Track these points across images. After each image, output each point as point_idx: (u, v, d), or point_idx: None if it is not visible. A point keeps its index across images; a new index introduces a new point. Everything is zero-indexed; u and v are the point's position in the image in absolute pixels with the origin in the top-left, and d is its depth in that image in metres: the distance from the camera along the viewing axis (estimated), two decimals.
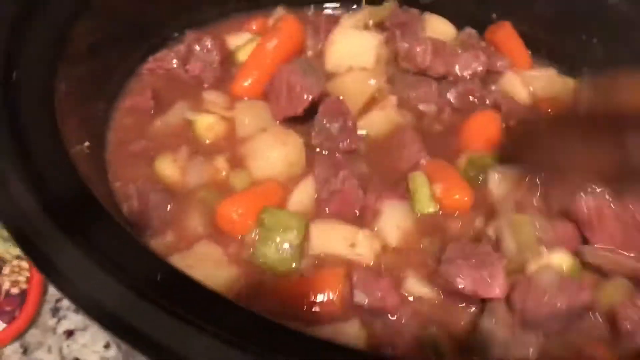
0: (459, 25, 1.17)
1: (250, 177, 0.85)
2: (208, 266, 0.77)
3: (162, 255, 0.72)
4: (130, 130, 0.92)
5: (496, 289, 0.74)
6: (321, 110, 0.89)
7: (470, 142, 0.96)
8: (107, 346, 1.00)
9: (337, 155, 0.89)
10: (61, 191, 0.64)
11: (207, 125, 0.91)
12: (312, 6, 1.18)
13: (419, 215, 0.85)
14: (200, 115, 0.92)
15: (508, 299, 0.75)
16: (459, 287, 0.74)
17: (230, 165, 0.87)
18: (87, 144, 0.80)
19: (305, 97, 0.88)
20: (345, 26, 1.06)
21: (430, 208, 0.85)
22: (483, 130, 0.98)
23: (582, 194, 0.83)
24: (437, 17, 1.16)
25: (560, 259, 0.80)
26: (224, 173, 0.86)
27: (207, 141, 0.91)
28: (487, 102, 1.03)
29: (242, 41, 1.09)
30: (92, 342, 1.00)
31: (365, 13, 1.10)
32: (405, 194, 0.87)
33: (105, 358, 0.98)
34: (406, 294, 0.77)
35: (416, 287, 0.78)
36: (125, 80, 0.99)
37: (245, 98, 0.98)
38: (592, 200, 0.82)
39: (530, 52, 1.14)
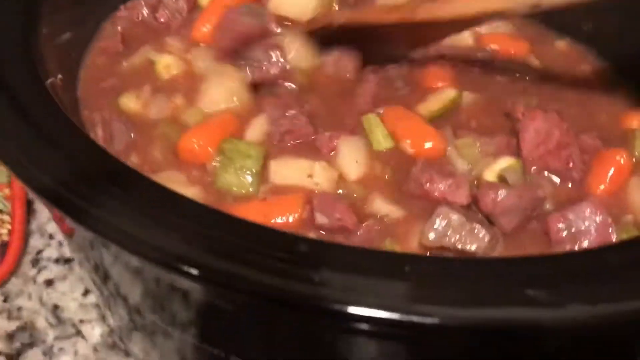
0: None
1: (202, 114, 0.94)
2: (172, 187, 0.82)
3: None
4: (101, 69, 1.02)
5: (463, 196, 0.82)
6: (255, 45, 0.97)
7: None
8: (85, 293, 1.06)
9: (283, 95, 0.97)
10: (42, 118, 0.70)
11: (166, 64, 1.01)
12: None
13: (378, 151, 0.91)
14: (161, 56, 1.02)
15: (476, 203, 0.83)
16: (429, 191, 0.82)
17: (186, 101, 0.96)
18: (60, 76, 0.88)
19: (237, 29, 0.97)
20: None
21: (388, 144, 0.91)
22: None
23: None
24: None
25: (508, 163, 0.87)
26: (181, 109, 0.95)
27: (166, 77, 1.00)
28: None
29: None
30: (70, 290, 1.06)
31: None
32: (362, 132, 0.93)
33: (83, 304, 1.04)
34: (370, 213, 0.83)
35: (381, 206, 0.84)
36: (98, 25, 1.08)
37: (202, 44, 1.07)
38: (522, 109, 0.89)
39: None
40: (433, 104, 0.96)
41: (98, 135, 0.89)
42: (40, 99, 0.72)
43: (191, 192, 0.83)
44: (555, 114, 0.89)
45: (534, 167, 0.88)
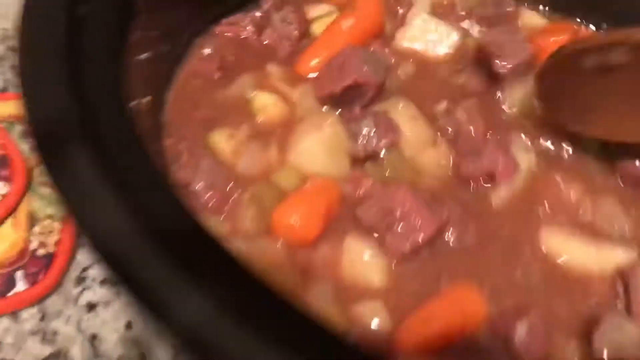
0: None
1: (297, 173, 0.81)
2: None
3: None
4: (192, 95, 0.89)
5: None
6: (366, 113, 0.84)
7: None
8: (128, 326, 0.96)
9: None
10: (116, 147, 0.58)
11: (263, 104, 0.87)
12: None
13: None
14: (258, 93, 0.88)
15: None
16: None
17: (280, 155, 0.83)
18: (148, 98, 0.78)
19: (350, 75, 0.83)
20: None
21: None
22: None
23: None
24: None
25: None
26: (274, 165, 0.82)
27: (259, 121, 0.87)
28: None
29: (320, 12, 1.03)
30: (113, 319, 0.96)
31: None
32: None
33: (125, 338, 0.94)
34: None
35: None
36: (193, 41, 0.95)
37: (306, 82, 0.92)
38: None
39: None
40: None
41: (181, 166, 0.78)
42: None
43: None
44: None
45: None
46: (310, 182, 0.79)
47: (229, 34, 0.96)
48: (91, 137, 0.57)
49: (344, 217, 0.77)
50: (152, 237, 0.50)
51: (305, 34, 0.98)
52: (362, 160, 0.82)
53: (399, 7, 1.04)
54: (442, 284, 0.72)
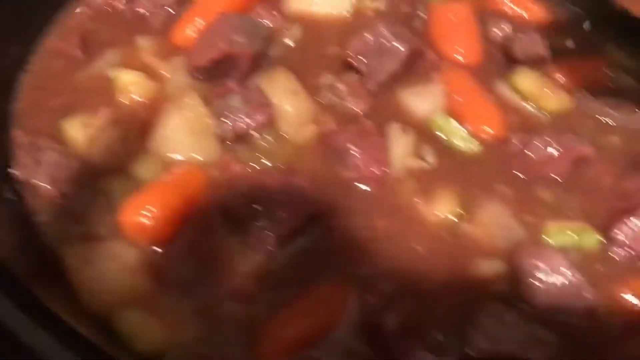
0: None
1: (159, 160, 0.71)
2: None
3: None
4: (51, 78, 0.79)
5: None
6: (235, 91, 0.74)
7: None
8: None
9: None
10: None
11: (126, 83, 0.76)
12: None
13: None
14: (122, 71, 0.77)
15: None
16: None
17: (142, 141, 0.73)
18: None
19: (218, 46, 0.73)
20: None
21: None
22: None
23: None
24: None
25: None
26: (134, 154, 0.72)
27: (125, 101, 0.76)
28: None
29: None
30: None
31: None
32: None
33: None
34: None
35: None
36: (52, 16, 0.84)
37: (182, 54, 0.81)
38: None
39: None
40: None
41: (21, 160, 0.69)
42: None
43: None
44: None
45: None
46: (172, 171, 0.69)
47: (97, 3, 0.85)
48: None
49: (210, 205, 0.68)
50: None
51: (183, 1, 0.86)
52: (233, 141, 0.72)
53: None
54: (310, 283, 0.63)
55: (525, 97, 0.86)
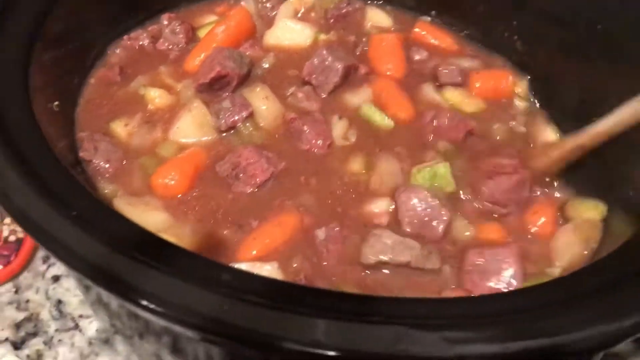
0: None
1: (176, 145, 1.06)
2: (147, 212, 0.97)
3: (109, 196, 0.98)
4: (99, 95, 1.13)
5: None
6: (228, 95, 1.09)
7: None
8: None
9: None
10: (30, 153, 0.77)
11: (153, 96, 1.12)
12: None
13: None
14: (150, 88, 1.13)
15: None
16: None
17: (164, 134, 1.08)
18: (56, 103, 1.01)
19: (214, 69, 1.08)
20: (283, 16, 1.27)
21: None
22: None
23: None
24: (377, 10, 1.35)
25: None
26: (159, 142, 1.07)
27: (152, 108, 1.12)
28: None
29: (206, 21, 1.29)
30: (74, 287, 1.15)
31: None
32: None
33: (84, 301, 1.13)
34: None
35: None
36: (100, 55, 1.20)
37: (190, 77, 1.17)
38: None
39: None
40: None
41: (85, 148, 1.02)
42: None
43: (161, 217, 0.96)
44: None
45: None
46: (185, 151, 1.04)
47: (130, 45, 1.22)
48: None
49: (208, 171, 1.03)
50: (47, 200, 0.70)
51: (192, 39, 1.24)
52: (225, 131, 1.07)
53: (268, 13, 1.31)
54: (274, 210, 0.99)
55: (446, 101, 1.18)
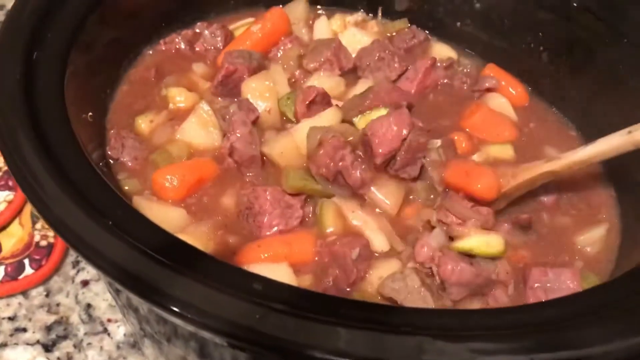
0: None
1: (186, 146, 1.05)
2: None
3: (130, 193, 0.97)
4: (133, 94, 1.14)
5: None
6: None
7: None
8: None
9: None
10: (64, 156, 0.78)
11: (172, 96, 1.12)
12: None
13: None
14: (171, 88, 1.13)
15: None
16: None
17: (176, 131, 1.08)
18: (90, 114, 1.02)
19: (225, 66, 1.08)
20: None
21: None
22: None
23: None
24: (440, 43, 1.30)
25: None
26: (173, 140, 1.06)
27: (173, 107, 1.12)
28: None
29: (245, 22, 1.29)
30: (103, 291, 1.17)
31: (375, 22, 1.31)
32: None
33: (112, 305, 1.15)
34: None
35: None
36: (135, 59, 1.21)
37: None
38: None
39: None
40: None
41: (112, 146, 1.02)
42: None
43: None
44: None
45: None
46: (193, 158, 1.03)
47: (167, 48, 1.22)
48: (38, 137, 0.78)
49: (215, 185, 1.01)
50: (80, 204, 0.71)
51: (229, 42, 1.22)
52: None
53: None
54: None
55: None
